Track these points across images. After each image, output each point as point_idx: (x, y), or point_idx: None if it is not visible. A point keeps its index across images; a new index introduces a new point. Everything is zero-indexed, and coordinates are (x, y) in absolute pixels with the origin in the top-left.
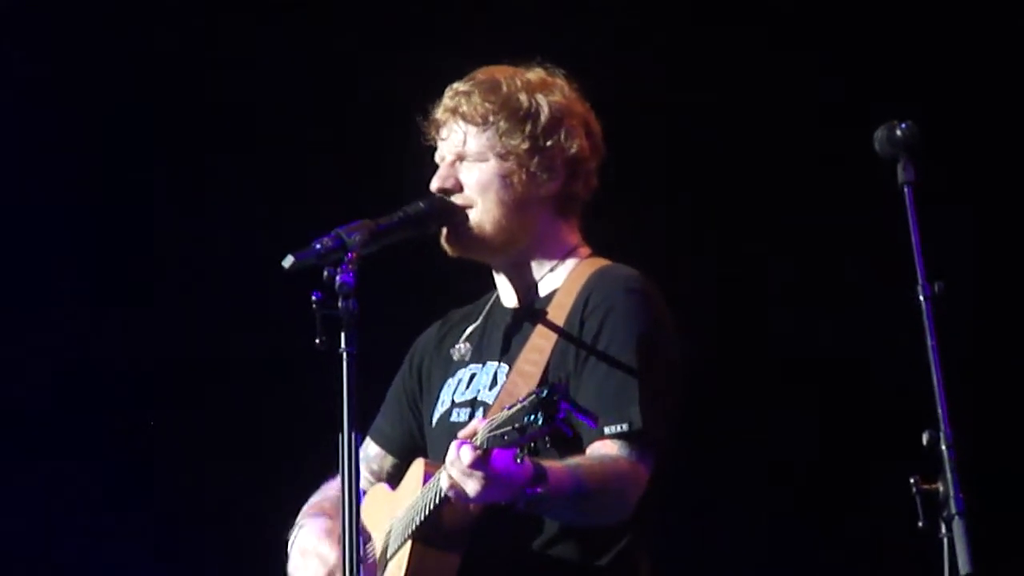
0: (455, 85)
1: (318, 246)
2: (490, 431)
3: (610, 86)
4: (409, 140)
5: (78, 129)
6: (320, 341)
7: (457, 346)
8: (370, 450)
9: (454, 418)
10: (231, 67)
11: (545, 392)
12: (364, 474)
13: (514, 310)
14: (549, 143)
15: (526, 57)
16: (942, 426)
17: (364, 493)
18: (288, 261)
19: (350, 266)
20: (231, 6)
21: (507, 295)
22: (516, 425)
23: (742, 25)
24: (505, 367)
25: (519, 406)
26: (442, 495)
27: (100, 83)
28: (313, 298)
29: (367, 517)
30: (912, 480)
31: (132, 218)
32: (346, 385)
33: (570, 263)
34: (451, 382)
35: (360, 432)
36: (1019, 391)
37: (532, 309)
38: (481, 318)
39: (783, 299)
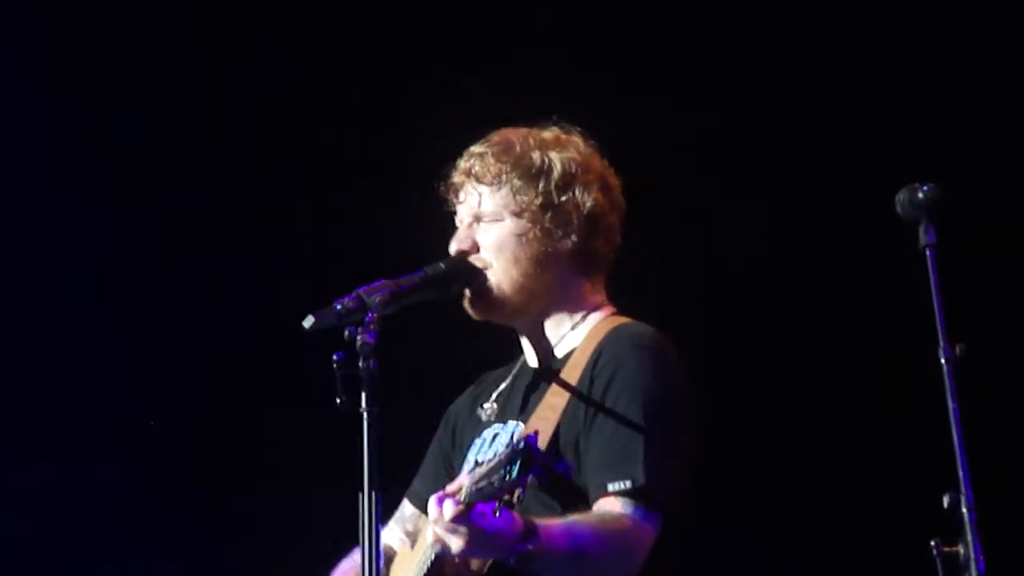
0: (471, 148)
1: (339, 307)
2: (472, 484)
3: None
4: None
5: (78, 129)
6: (340, 401)
7: (485, 406)
8: (406, 510)
9: None
10: (231, 67)
11: (521, 444)
12: (399, 535)
13: (535, 370)
14: (563, 198)
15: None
16: (963, 488)
17: (396, 554)
18: (308, 321)
19: (371, 326)
20: (231, 6)
21: (531, 356)
22: (494, 478)
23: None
24: (522, 426)
25: (497, 459)
26: (434, 553)
27: (100, 83)
28: (334, 358)
29: None
30: (932, 543)
31: (132, 218)
32: (366, 445)
33: (591, 321)
34: (477, 442)
35: (380, 491)
36: None
37: (551, 368)
38: (509, 379)
39: (802, 356)
